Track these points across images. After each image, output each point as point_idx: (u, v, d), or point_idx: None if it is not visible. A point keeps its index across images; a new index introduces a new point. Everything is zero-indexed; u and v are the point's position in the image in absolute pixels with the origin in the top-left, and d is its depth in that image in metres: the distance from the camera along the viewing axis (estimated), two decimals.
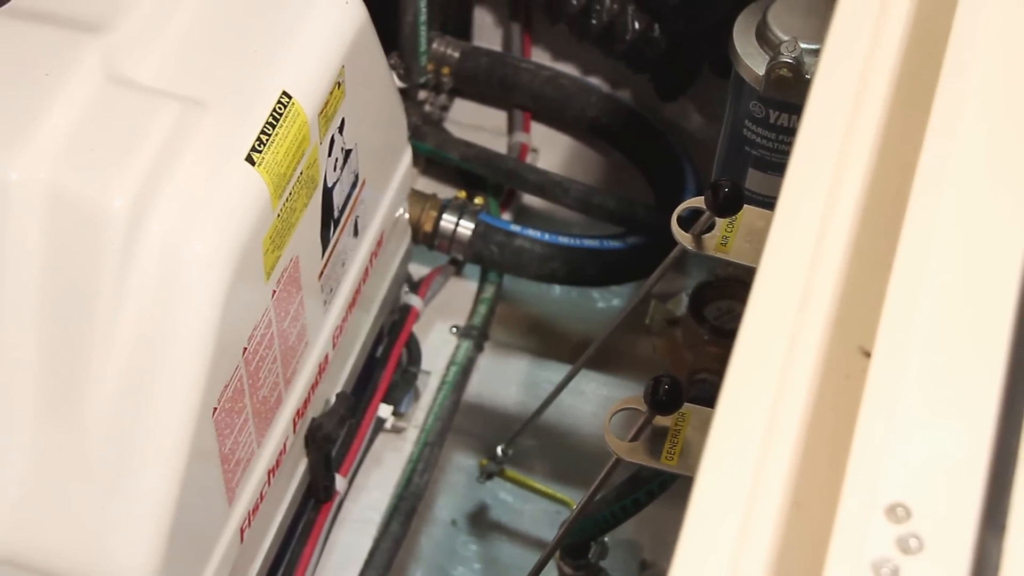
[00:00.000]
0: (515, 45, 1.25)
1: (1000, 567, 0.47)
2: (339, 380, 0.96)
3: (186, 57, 0.78)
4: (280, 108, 0.78)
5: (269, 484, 0.85)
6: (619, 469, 0.72)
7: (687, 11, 1.10)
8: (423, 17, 1.14)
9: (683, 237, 0.74)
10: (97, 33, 0.76)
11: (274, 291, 0.79)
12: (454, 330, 1.17)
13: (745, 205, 0.74)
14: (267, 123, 0.77)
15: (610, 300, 1.23)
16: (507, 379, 1.17)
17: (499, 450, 1.05)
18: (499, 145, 1.24)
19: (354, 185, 0.90)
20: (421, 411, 1.11)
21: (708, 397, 0.69)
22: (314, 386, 0.89)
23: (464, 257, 1.15)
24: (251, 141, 0.75)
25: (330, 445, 0.92)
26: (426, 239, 1.12)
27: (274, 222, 0.77)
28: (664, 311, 1.09)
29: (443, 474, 1.12)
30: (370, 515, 1.06)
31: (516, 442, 1.05)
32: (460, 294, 1.18)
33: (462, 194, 1.18)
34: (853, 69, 0.61)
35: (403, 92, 1.12)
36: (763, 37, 0.82)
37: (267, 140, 0.76)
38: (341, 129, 0.85)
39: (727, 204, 0.70)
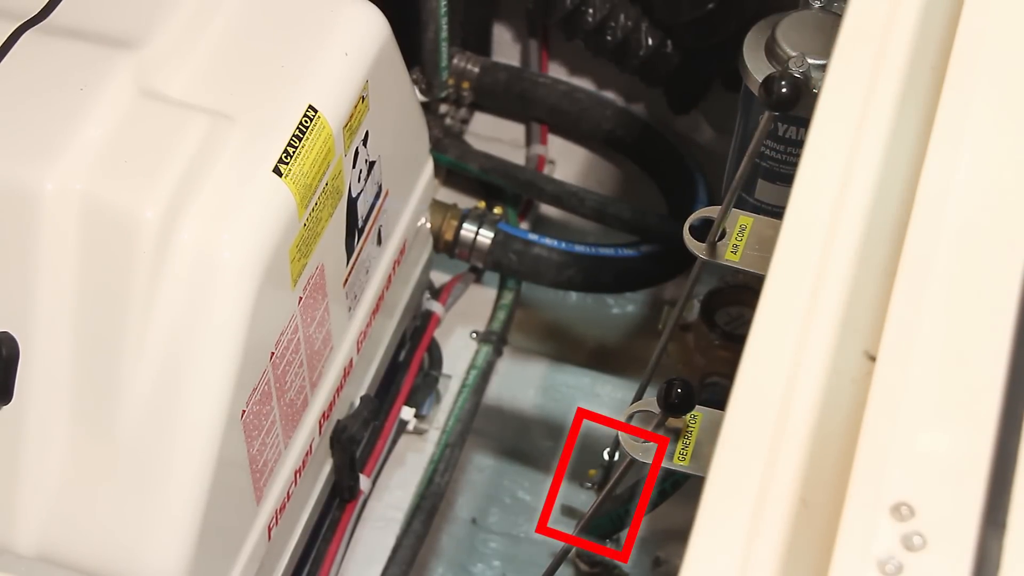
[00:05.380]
0: (533, 60, 1.26)
1: (1000, 564, 0.48)
2: (363, 383, 0.97)
3: (215, 72, 0.80)
4: (306, 121, 0.79)
5: (296, 484, 0.86)
6: (633, 469, 0.73)
7: (699, 28, 1.11)
8: (444, 33, 1.15)
9: (695, 246, 0.75)
10: (130, 49, 0.77)
11: (300, 298, 0.81)
12: (474, 335, 1.18)
13: (754, 215, 0.75)
14: (294, 136, 0.78)
15: (624, 306, 1.24)
16: (525, 382, 1.18)
17: (605, 454, 1.06)
18: (517, 157, 1.25)
19: (377, 195, 0.91)
20: (442, 413, 1.12)
21: (719, 400, 0.70)
22: (339, 389, 0.91)
23: (484, 265, 1.16)
24: (278, 153, 0.77)
25: (355, 446, 0.94)
26: (447, 247, 1.13)
27: (300, 231, 0.79)
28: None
29: (463, 474, 1.12)
30: (393, 513, 1.07)
31: (537, 443, 1.06)
32: (480, 300, 1.19)
33: (482, 204, 1.19)
34: (858, 83, 0.62)
35: (425, 106, 1.13)
36: (772, 53, 0.82)
37: (294, 152, 0.78)
38: (365, 141, 0.86)
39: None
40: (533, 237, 1.15)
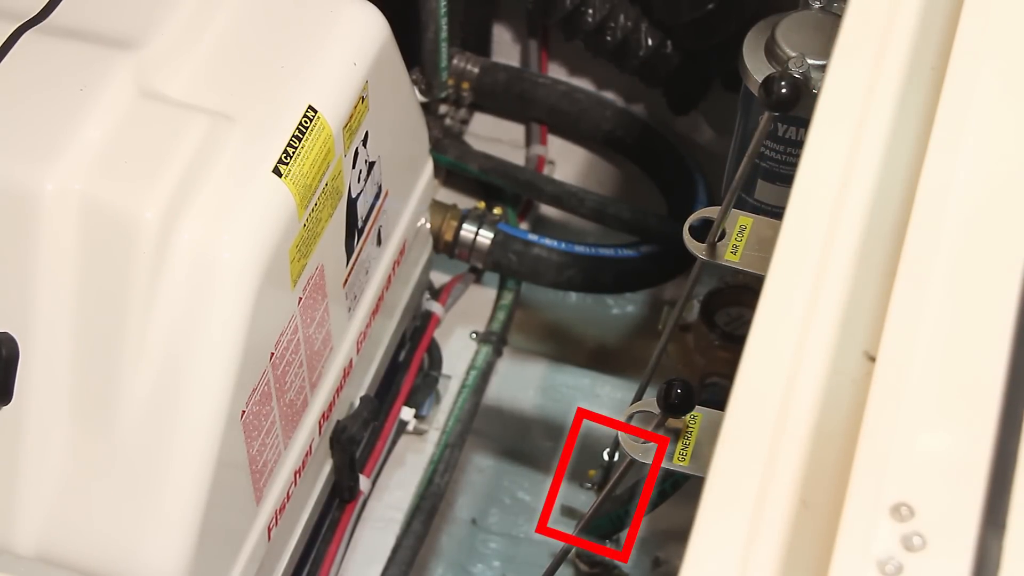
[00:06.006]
0: (532, 61, 1.26)
1: (1000, 564, 0.48)
2: (363, 384, 0.97)
3: (215, 72, 0.80)
4: (306, 122, 0.79)
5: (295, 484, 0.86)
6: (633, 469, 0.73)
7: (699, 28, 1.11)
8: (444, 34, 1.15)
9: (695, 246, 0.75)
10: (130, 49, 0.77)
11: (300, 298, 0.81)
12: (474, 336, 1.18)
13: (754, 215, 0.75)
14: (293, 136, 0.78)
15: (624, 307, 1.24)
16: (525, 383, 1.18)
17: (605, 454, 1.06)
18: (517, 157, 1.25)
19: (377, 196, 0.91)
20: (442, 414, 1.12)
21: (719, 400, 0.70)
22: (339, 390, 0.91)
23: (483, 265, 1.16)
24: (278, 154, 0.77)
25: (354, 447, 0.94)
26: (447, 248, 1.13)
27: (300, 231, 0.79)
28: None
29: (463, 474, 1.12)
30: (393, 514, 1.07)
31: (537, 443, 1.06)
32: (479, 301, 1.19)
33: (481, 205, 1.19)
34: (858, 83, 0.62)
35: (424, 106, 1.13)
36: (772, 53, 0.82)
37: (293, 153, 0.78)
38: (365, 142, 0.86)
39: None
40: (533, 237, 1.15)
